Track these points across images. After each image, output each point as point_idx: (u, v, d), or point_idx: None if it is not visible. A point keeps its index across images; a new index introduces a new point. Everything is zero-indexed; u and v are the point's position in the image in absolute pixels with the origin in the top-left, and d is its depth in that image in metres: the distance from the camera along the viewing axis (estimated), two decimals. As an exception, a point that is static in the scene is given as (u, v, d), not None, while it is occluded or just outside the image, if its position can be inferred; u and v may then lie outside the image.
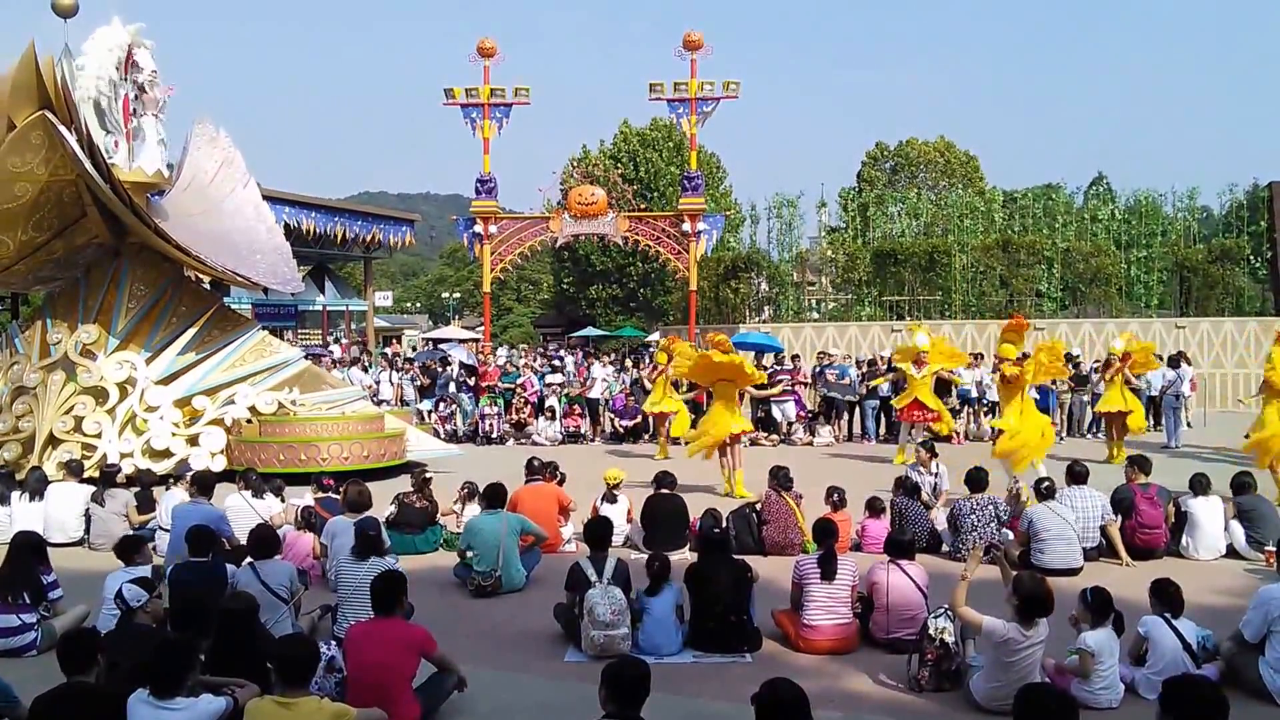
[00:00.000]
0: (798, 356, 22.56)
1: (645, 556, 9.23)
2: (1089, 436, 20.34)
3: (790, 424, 19.96)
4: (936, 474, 11.87)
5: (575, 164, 38.39)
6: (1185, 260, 28.76)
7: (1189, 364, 22.19)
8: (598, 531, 7.91)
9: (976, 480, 10.18)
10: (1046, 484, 9.72)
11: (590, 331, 47.60)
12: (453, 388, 21.68)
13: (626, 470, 11.65)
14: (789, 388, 19.68)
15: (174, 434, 14.77)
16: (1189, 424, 20.71)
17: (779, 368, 21.06)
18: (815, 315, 31.60)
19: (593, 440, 20.48)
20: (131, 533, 9.61)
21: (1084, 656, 6.16)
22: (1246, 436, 14.13)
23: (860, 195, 37.62)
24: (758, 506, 10.37)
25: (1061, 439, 20.00)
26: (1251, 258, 28.63)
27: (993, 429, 16.75)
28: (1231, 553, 9.98)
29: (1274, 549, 9.01)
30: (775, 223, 30.53)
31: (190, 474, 11.03)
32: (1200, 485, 10.18)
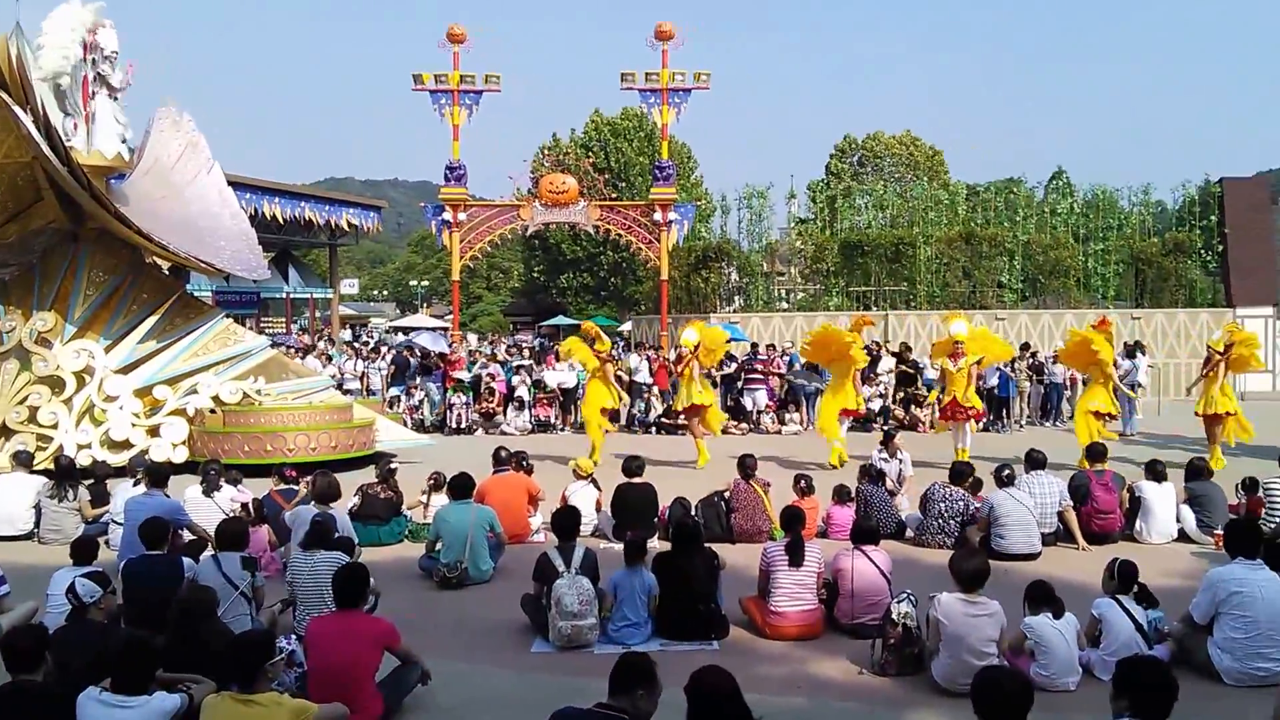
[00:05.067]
0: (772, 346, 22.73)
1: (615, 545, 9.38)
2: (1047, 425, 20.66)
3: (760, 412, 20.13)
4: (901, 461, 12.06)
5: (546, 152, 38.29)
6: (1140, 253, 29.22)
7: (1145, 354, 22.61)
8: (566, 521, 7.95)
9: (959, 474, 10.40)
10: (1007, 471, 9.92)
11: (561, 320, 47.58)
12: (420, 378, 21.65)
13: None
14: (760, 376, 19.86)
15: (134, 424, 14.59)
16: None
17: (753, 356, 21.22)
18: (784, 305, 31.79)
19: (563, 430, 20.52)
20: (86, 531, 9.51)
21: (1018, 636, 6.34)
22: (1196, 414, 14.54)
23: (828, 187, 37.88)
24: (726, 495, 10.48)
25: (1020, 427, 20.34)
26: (1204, 251, 29.15)
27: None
28: (1183, 536, 10.25)
29: (1223, 532, 9.24)
30: (745, 213, 30.67)
31: (144, 466, 10.66)
32: (1155, 471, 10.43)
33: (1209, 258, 29.12)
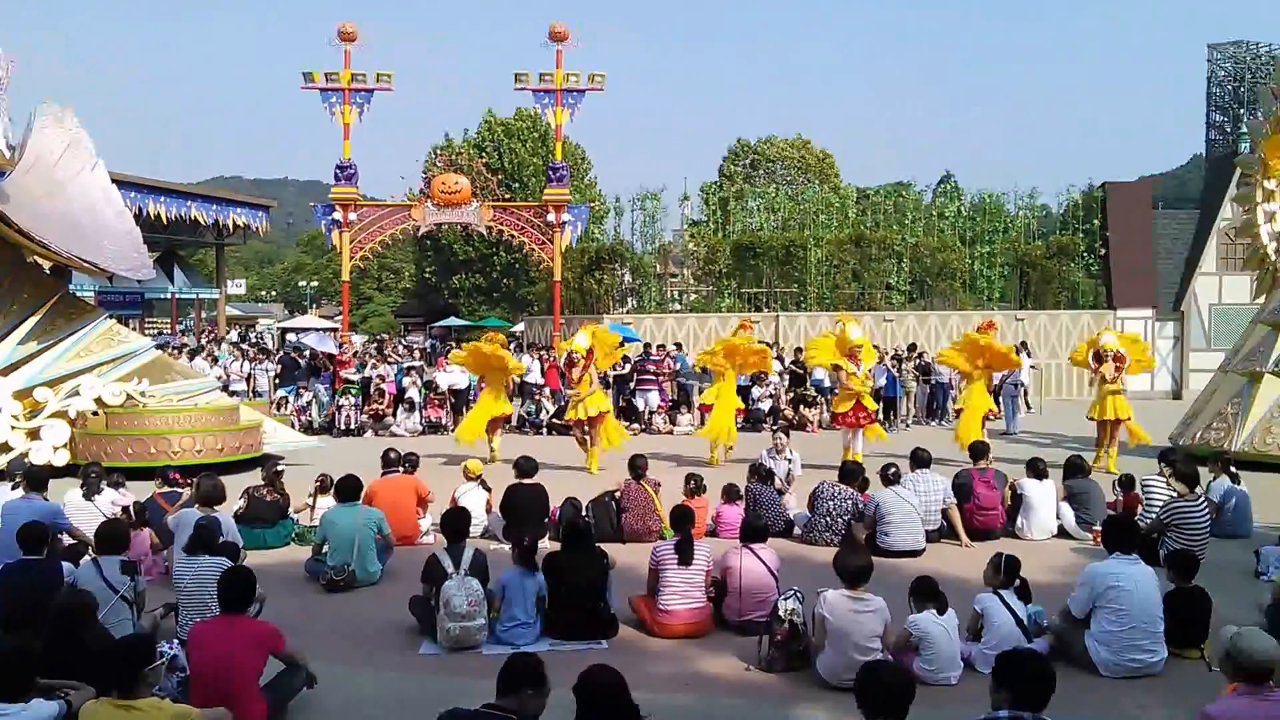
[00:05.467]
0: (663, 346, 22.83)
1: (504, 546, 9.28)
2: (933, 424, 21.21)
3: (652, 413, 20.19)
4: (790, 460, 12.21)
5: (438, 152, 37.80)
6: (1025, 256, 30.21)
7: (1029, 354, 23.46)
8: (455, 522, 7.84)
9: (850, 473, 10.55)
10: (893, 470, 10.11)
11: (453, 321, 46.98)
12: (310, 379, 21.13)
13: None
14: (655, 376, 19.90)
15: (13, 427, 14.12)
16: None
17: (646, 357, 21.27)
18: (677, 307, 32.01)
19: (453, 430, 20.20)
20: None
21: (903, 633, 6.45)
22: (1090, 418, 15.00)
23: (721, 190, 38.22)
24: (617, 494, 10.46)
25: (907, 426, 20.85)
26: (1086, 254, 30.28)
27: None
28: (1062, 532, 10.59)
29: (1100, 529, 9.58)
30: (639, 215, 30.78)
31: (23, 469, 10.37)
32: (1036, 469, 10.76)
33: (1091, 261, 30.27)
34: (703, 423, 16.95)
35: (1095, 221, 30.22)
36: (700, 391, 20.08)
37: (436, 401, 20.45)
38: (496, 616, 7.23)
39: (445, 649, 7.05)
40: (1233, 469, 11.23)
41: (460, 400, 20.60)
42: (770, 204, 32.53)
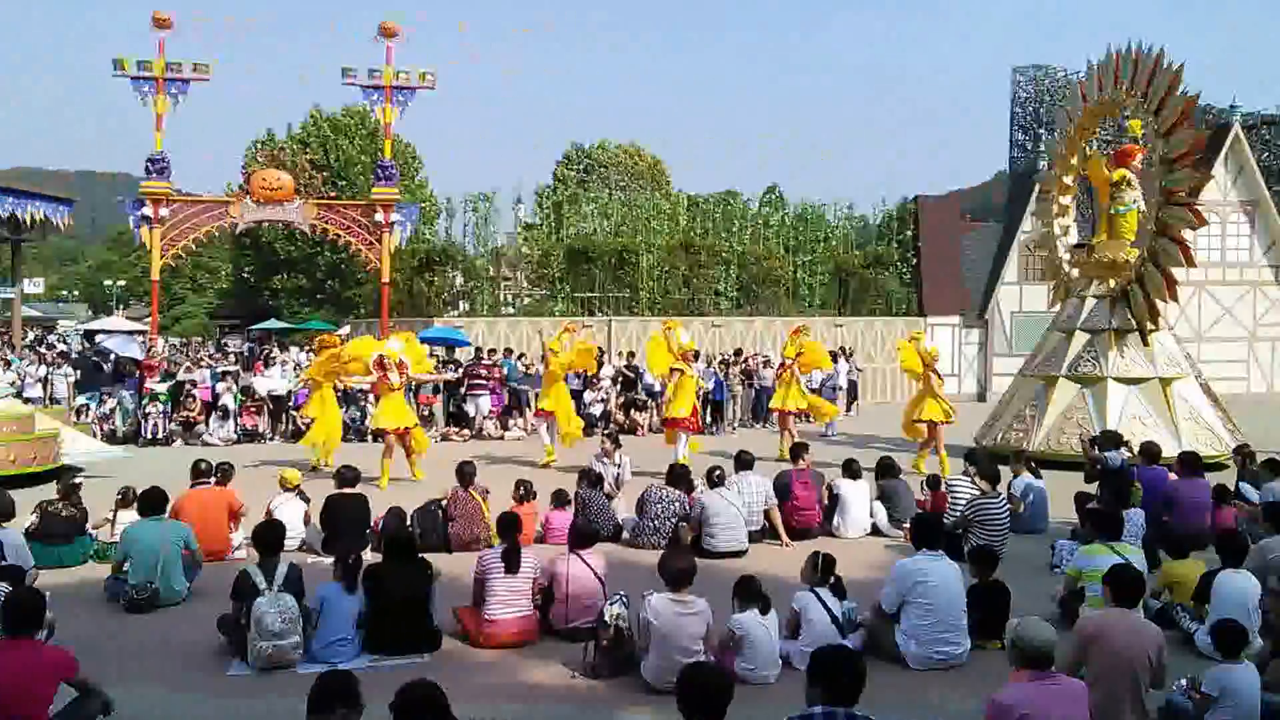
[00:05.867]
0: (494, 350, 22.56)
1: (324, 559, 8.95)
2: (757, 427, 21.74)
3: (484, 418, 19.93)
4: (620, 465, 12.26)
5: (259, 147, 36.27)
6: (844, 265, 31.40)
7: (847, 359, 24.37)
8: (268, 535, 7.48)
9: (677, 476, 10.64)
10: (718, 472, 10.29)
11: (273, 324, 45.11)
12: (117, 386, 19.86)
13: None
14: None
15: None
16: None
17: (477, 361, 20.96)
18: (510, 310, 31.72)
19: (272, 439, 19.42)
20: None
21: (734, 635, 6.56)
22: (917, 420, 15.59)
23: (555, 193, 38.16)
24: (444, 503, 10.25)
25: (733, 429, 21.30)
26: (900, 264, 31.72)
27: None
28: (875, 530, 11.02)
29: (910, 526, 10.01)
30: (471, 217, 30.36)
31: None
32: (851, 470, 11.17)
33: (904, 270, 31.68)
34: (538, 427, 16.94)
35: (908, 233, 31.69)
36: (535, 396, 20.04)
37: (253, 408, 19.57)
38: (313, 634, 6.95)
39: (256, 669, 6.72)
40: (1033, 465, 11.97)
41: (280, 407, 19.79)
42: (603, 209, 32.69)
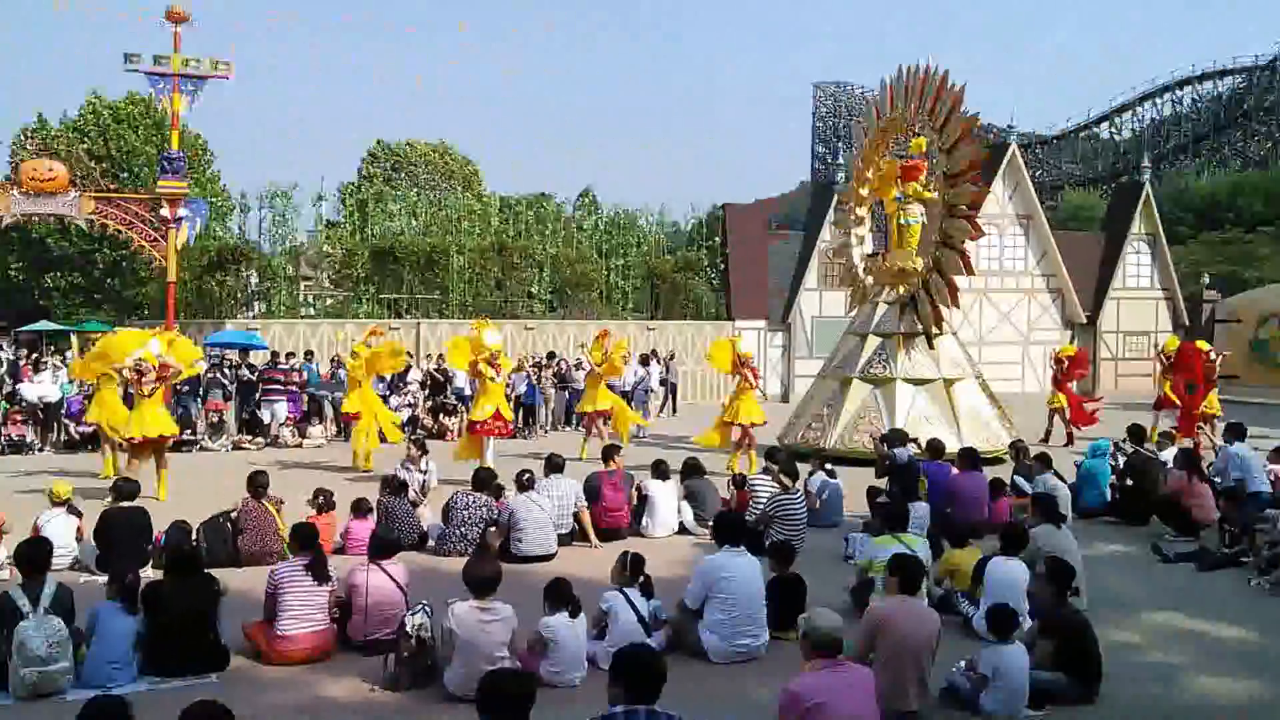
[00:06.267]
0: (292, 354, 21.64)
1: (99, 577, 8.35)
2: (569, 430, 21.75)
3: (280, 425, 19.06)
4: (426, 471, 11.98)
5: (29, 135, 33.55)
6: (656, 269, 31.92)
7: (659, 362, 24.73)
8: (33, 554, 6.85)
9: (482, 481, 10.45)
10: (527, 475, 10.21)
11: (45, 325, 41.80)
12: None
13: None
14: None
15: None
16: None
17: (273, 365, 20.02)
18: (311, 311, 30.59)
19: (42, 449, 17.96)
20: None
21: (541, 639, 6.51)
22: (727, 422, 15.86)
23: (360, 191, 37.13)
24: (233, 514, 9.72)
25: (545, 433, 21.23)
26: (709, 269, 32.52)
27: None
28: (683, 529, 11.19)
29: (712, 524, 10.20)
30: (268, 213, 29.13)
31: None
32: (660, 470, 11.30)
33: (714, 275, 32.46)
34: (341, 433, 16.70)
35: (716, 239, 32.51)
36: (336, 401, 19.38)
37: (19, 418, 18.02)
38: (85, 657, 6.44)
39: (18, 698, 6.19)
40: (828, 465, 12.46)
41: (51, 415, 18.33)
42: (412, 208, 32.07)
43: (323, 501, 9.93)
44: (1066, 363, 19.58)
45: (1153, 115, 70.68)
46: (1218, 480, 11.66)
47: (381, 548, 7.55)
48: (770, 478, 10.88)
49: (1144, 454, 12.49)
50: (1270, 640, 7.68)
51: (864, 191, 18.64)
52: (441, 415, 20.27)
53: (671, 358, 25.87)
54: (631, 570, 7.21)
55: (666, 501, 11.17)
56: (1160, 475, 12.10)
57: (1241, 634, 7.84)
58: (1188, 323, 32.57)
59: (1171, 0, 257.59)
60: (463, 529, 10.02)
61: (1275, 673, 6.97)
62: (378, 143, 57.83)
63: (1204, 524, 10.96)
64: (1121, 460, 12.60)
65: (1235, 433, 12.47)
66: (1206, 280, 33.97)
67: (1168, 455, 12.76)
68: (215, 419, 18.57)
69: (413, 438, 14.05)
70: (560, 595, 6.69)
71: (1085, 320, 32.41)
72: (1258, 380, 28.05)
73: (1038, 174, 31.42)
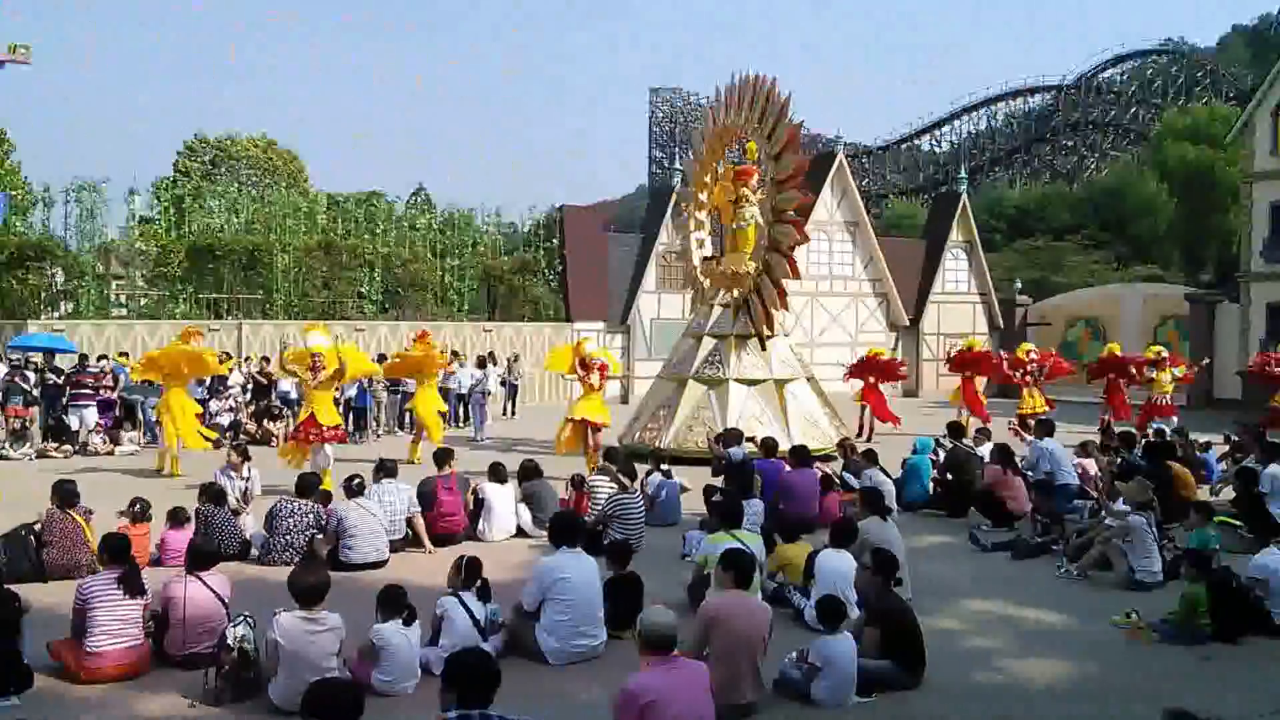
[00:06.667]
0: (105, 357, 20.31)
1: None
2: (401, 434, 21.28)
3: (90, 431, 17.87)
4: (248, 478, 11.47)
5: None
6: (492, 270, 31.58)
7: (495, 364, 24.46)
8: None
9: (306, 487, 10.07)
10: (357, 481, 9.91)
11: None
12: None
13: None
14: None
15: None
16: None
17: (82, 369, 18.74)
18: (123, 311, 28.86)
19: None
20: None
21: (373, 647, 6.35)
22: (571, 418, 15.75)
23: (177, 186, 35.29)
24: (37, 527, 9.05)
25: (378, 437, 20.69)
26: (547, 270, 32.40)
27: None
28: (521, 532, 11.08)
29: (548, 525, 10.14)
30: (75, 208, 27.32)
31: None
32: (497, 474, 11.16)
33: (552, 276, 32.34)
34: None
35: (554, 241, 32.44)
36: (147, 406, 18.40)
37: None
38: None
39: None
40: (664, 465, 12.59)
41: None
42: (233, 205, 30.72)
43: (138, 510, 9.34)
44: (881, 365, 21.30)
45: (970, 129, 74.65)
46: (1030, 474, 12.39)
47: (200, 558, 7.19)
48: (608, 478, 10.94)
49: (962, 449, 13.15)
50: (1078, 623, 8.18)
51: (703, 196, 18.95)
52: (266, 420, 19.45)
53: (515, 360, 25.66)
54: (467, 574, 7.08)
55: (504, 505, 11.05)
56: (978, 469, 12.77)
57: (1052, 618, 8.33)
58: (1002, 325, 34.58)
59: (987, 21, 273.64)
60: (288, 537, 9.64)
61: (1083, 653, 7.41)
62: (196, 136, 55.16)
63: (1018, 515, 11.62)
64: (942, 455, 13.24)
65: (1045, 429, 13.29)
66: (1019, 285, 36.13)
67: (984, 450, 13.45)
68: (16, 425, 17.28)
69: (234, 443, 13.42)
70: (393, 602, 6.53)
71: (908, 323, 33.95)
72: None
73: (864, 183, 32.78)
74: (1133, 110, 69.03)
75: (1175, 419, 18.85)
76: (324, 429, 13.35)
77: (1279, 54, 28.67)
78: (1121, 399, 20.05)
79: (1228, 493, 12.49)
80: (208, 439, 15.65)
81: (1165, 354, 20.16)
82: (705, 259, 18.63)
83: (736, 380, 16.92)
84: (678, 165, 32.32)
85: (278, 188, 38.63)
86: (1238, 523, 10.81)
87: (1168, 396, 19.54)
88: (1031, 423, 16.10)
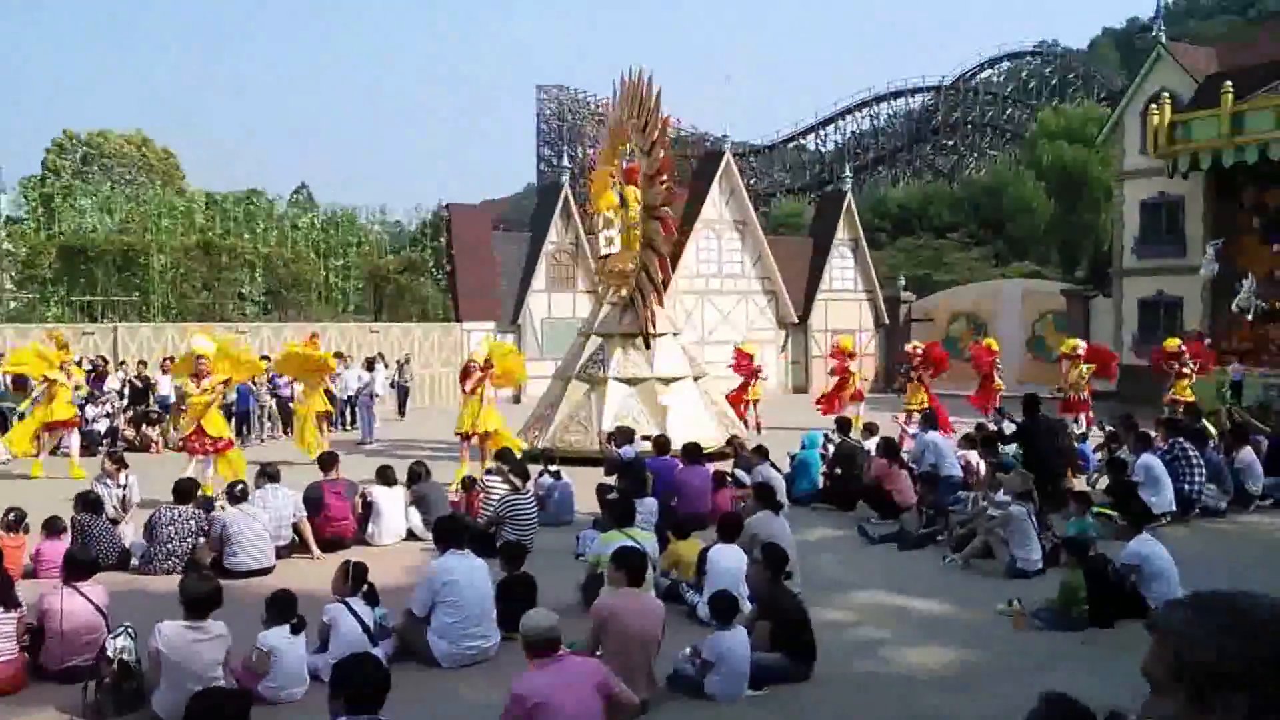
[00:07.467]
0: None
1: None
2: (285, 437, 20.78)
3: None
4: (125, 486, 11.07)
5: None
6: (378, 270, 31.04)
7: (385, 365, 24.08)
8: None
9: (184, 492, 9.76)
10: (240, 487, 9.69)
11: None
12: None
13: None
14: None
15: None
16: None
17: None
18: (-11, 314, 27.50)
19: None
20: None
21: (260, 655, 6.23)
22: (456, 433, 15.55)
23: (45, 185, 33.75)
24: (-106, 542, 8.61)
25: (262, 441, 20.18)
26: (435, 270, 31.98)
27: None
28: (412, 535, 10.98)
29: (434, 528, 10.04)
30: (-67, 208, 25.92)
31: None
32: (386, 477, 11.02)
33: (439, 276, 31.94)
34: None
35: (442, 240, 32.04)
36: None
37: None
38: None
39: None
40: (552, 466, 12.58)
41: None
42: (105, 204, 29.53)
43: (12, 519, 8.98)
44: (748, 361, 21.90)
45: (853, 129, 76.27)
46: (914, 466, 12.77)
47: (77, 568, 6.97)
48: (501, 478, 10.90)
49: (850, 443, 13.50)
50: (961, 612, 8.45)
51: (604, 199, 18.87)
52: (144, 426, 18.77)
53: (407, 361, 25.31)
54: (353, 579, 7.00)
55: (393, 508, 10.93)
56: (864, 463, 13.11)
57: (938, 607, 8.59)
58: (887, 321, 35.49)
59: (867, 25, 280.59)
60: (170, 545, 9.38)
61: (967, 641, 7.68)
62: (65, 132, 52.78)
63: (904, 507, 11.94)
64: (831, 450, 13.55)
65: (928, 422, 13.72)
66: (903, 282, 37.14)
67: (871, 444, 13.82)
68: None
69: (109, 451, 12.94)
70: (282, 608, 6.43)
71: (797, 320, 34.55)
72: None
73: (752, 181, 33.23)
74: (1009, 110, 71.41)
75: (1086, 417, 18.35)
76: (213, 440, 12.98)
77: (1147, 55, 29.94)
78: (990, 393, 20.34)
79: (1105, 482, 12.91)
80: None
81: (1081, 349, 19.47)
82: (601, 258, 18.61)
83: (616, 379, 16.83)
84: (565, 163, 32.16)
85: (153, 186, 37.24)
86: (1113, 512, 11.16)
87: (1084, 393, 18.89)
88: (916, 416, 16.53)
